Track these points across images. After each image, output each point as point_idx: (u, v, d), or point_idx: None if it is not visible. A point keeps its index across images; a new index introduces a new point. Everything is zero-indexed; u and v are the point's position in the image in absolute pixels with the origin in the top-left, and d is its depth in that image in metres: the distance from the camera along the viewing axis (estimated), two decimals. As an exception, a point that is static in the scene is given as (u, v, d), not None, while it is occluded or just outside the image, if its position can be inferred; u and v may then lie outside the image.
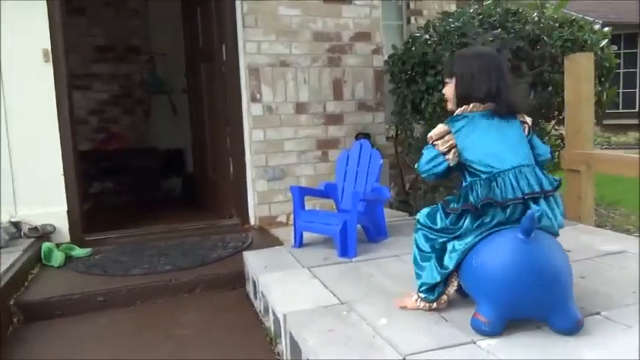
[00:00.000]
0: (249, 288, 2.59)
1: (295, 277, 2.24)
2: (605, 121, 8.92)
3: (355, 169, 2.87)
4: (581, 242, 2.48)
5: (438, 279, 1.68)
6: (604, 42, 3.16)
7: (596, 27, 3.26)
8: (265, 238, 3.33)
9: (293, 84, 3.70)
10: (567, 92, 2.92)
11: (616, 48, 3.29)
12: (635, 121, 10.79)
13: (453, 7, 4.31)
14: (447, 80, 1.84)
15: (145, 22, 5.72)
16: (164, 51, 5.51)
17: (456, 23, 3.19)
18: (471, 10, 3.28)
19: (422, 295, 1.74)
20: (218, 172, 4.11)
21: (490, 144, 1.65)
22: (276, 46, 3.63)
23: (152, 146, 5.67)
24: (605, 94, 3.24)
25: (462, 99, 1.74)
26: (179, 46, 4.80)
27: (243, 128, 3.70)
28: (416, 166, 1.81)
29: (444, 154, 1.68)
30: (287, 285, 2.14)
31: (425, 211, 1.78)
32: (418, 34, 3.53)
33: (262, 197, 3.67)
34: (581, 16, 3.35)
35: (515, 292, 1.46)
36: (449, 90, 1.81)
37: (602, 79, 3.23)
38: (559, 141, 3.35)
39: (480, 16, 3.18)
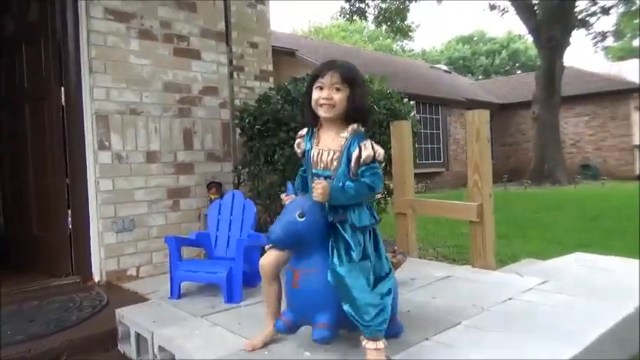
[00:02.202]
0: (127, 347, 2.45)
1: (195, 327, 2.25)
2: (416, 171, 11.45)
3: (229, 217, 3.00)
4: (419, 271, 3.09)
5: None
6: (412, 112, 4.03)
7: (405, 100, 4.13)
8: (123, 294, 3.13)
9: (144, 132, 3.65)
10: (393, 151, 3.62)
11: (418, 117, 4.18)
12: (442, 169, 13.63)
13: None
14: (339, 86, 1.81)
15: None
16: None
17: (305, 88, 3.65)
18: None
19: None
20: (47, 227, 3.68)
21: None
22: (126, 93, 3.56)
23: None
24: (414, 150, 4.07)
25: (350, 113, 1.83)
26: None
27: (87, 178, 3.45)
28: (372, 186, 1.79)
29: None
30: (192, 335, 2.14)
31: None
32: (270, 94, 3.88)
33: (110, 250, 3.45)
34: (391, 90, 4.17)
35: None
36: (341, 97, 1.81)
37: (413, 140, 4.08)
38: (384, 190, 4.05)
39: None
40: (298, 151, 2.00)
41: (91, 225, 3.45)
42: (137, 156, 3.61)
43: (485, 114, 3.17)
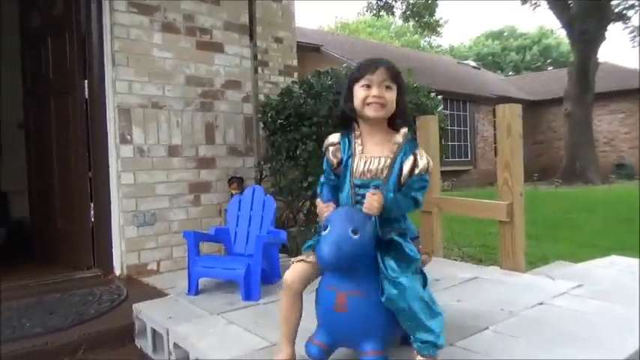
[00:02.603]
0: (144, 342, 2.42)
1: (211, 325, 2.20)
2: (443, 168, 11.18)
3: (248, 213, 2.95)
4: (444, 272, 2.97)
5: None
6: (440, 107, 3.90)
7: (432, 94, 4.01)
8: (142, 289, 3.12)
9: (166, 126, 3.63)
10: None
11: (447, 112, 4.05)
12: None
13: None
14: (389, 84, 1.66)
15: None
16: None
17: (329, 82, 3.58)
18: (344, 72, 3.71)
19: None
20: (71, 220, 3.69)
21: None
22: (148, 87, 3.54)
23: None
24: (442, 147, 3.94)
25: (397, 115, 1.70)
26: (8, 75, 4.25)
27: (110, 171, 3.45)
28: (419, 201, 1.68)
29: None
30: (207, 333, 2.09)
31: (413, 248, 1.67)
32: (292, 88, 3.81)
33: (131, 244, 3.44)
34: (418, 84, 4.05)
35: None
36: (391, 96, 1.66)
37: (441, 136, 3.95)
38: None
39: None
40: (333, 160, 1.75)
41: (112, 218, 3.45)
42: (159, 150, 3.59)
43: (516, 108, 3.03)
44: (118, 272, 3.45)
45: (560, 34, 30.36)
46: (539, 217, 6.78)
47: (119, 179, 3.41)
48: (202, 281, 2.84)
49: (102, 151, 3.44)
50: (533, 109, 17.10)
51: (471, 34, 45.59)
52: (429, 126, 3.44)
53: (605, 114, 15.61)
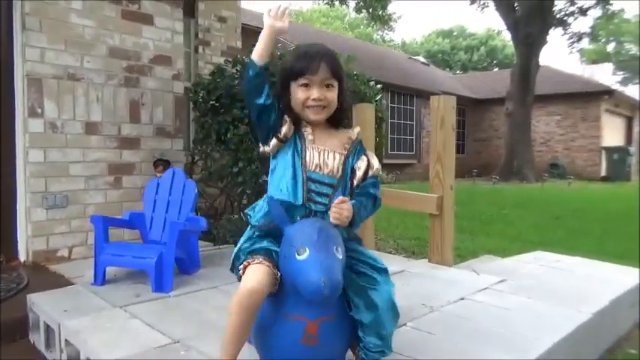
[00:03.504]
0: (37, 337, 2.18)
1: (110, 320, 1.99)
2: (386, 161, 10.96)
3: (167, 198, 2.74)
4: (371, 265, 2.88)
5: None
6: (379, 96, 3.81)
7: (371, 83, 3.91)
8: (47, 277, 2.84)
9: (83, 100, 3.33)
10: (354, 135, 3.40)
11: (385, 103, 3.97)
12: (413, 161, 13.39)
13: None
14: (330, 81, 1.48)
15: None
16: None
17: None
18: (278, 54, 3.54)
19: None
20: (-30, 198, 3.33)
21: None
22: (64, 56, 3.23)
23: None
24: (381, 135, 3.87)
25: (343, 111, 1.55)
26: None
27: (16, 147, 3.13)
28: (380, 200, 1.54)
29: None
30: (103, 329, 1.88)
31: None
32: (225, 67, 3.60)
33: (39, 228, 3.14)
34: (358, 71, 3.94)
35: None
36: (333, 95, 1.49)
37: (376, 126, 3.87)
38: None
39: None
40: (283, 132, 1.48)
41: (18, 199, 3.14)
42: (74, 126, 3.28)
43: (451, 100, 2.97)
44: (23, 258, 3.15)
45: (505, 37, 31.45)
46: (475, 212, 6.93)
47: (26, 156, 3.09)
48: (114, 270, 2.62)
49: (6, 124, 3.10)
50: (477, 107, 17.62)
51: (423, 31, 46.30)
52: (365, 114, 3.33)
53: (543, 115, 16.30)
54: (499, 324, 1.99)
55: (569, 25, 17.30)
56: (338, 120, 1.55)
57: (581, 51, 31.00)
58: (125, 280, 2.56)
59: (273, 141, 1.48)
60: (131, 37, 3.56)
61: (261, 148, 1.52)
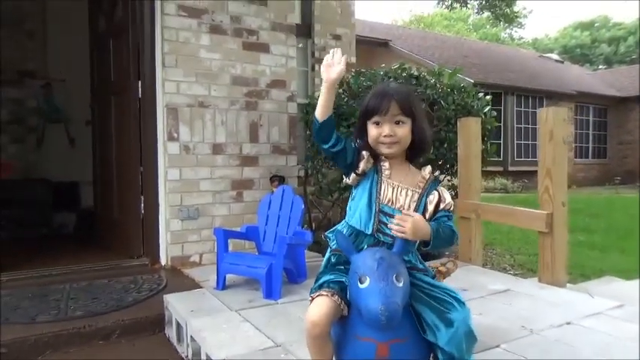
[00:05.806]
0: (171, 332, 2.56)
1: (226, 321, 2.28)
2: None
3: (277, 213, 3.01)
4: (474, 282, 2.86)
5: None
6: (487, 108, 3.72)
7: (480, 95, 3.84)
8: (180, 280, 3.29)
9: (211, 125, 3.78)
10: (460, 150, 3.38)
11: (495, 114, 3.87)
12: (499, 169, 12.41)
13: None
14: (400, 118, 1.57)
15: (42, 46, 5.40)
16: (63, 77, 5.23)
17: (367, 82, 3.55)
18: (381, 72, 3.67)
19: None
20: (125, 211, 3.97)
21: None
22: (195, 87, 3.70)
23: (42, 177, 5.26)
24: (487, 150, 3.78)
25: (415, 145, 1.62)
26: (80, 74, 4.62)
27: (158, 167, 3.66)
28: (456, 234, 1.59)
29: None
30: (220, 329, 2.18)
31: None
32: (334, 88, 3.82)
33: (175, 237, 3.64)
34: (471, 80, 3.90)
35: None
36: (404, 131, 1.57)
37: (485, 138, 3.78)
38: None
39: (389, 78, 3.58)
40: (361, 168, 1.59)
41: (160, 211, 3.67)
42: (203, 147, 3.75)
43: (561, 112, 2.83)
44: (163, 262, 3.67)
45: (659, 24, 27.63)
46: (611, 225, 6.29)
47: (166, 175, 3.61)
48: (233, 277, 2.95)
49: (151, 148, 3.65)
50: (621, 105, 15.77)
51: (558, 25, 42.53)
52: (470, 127, 3.30)
53: None
54: (602, 354, 1.87)
55: None
56: (414, 154, 1.64)
57: None
58: (242, 286, 2.88)
59: (352, 175, 1.62)
60: (251, 66, 3.95)
61: (344, 180, 1.67)
